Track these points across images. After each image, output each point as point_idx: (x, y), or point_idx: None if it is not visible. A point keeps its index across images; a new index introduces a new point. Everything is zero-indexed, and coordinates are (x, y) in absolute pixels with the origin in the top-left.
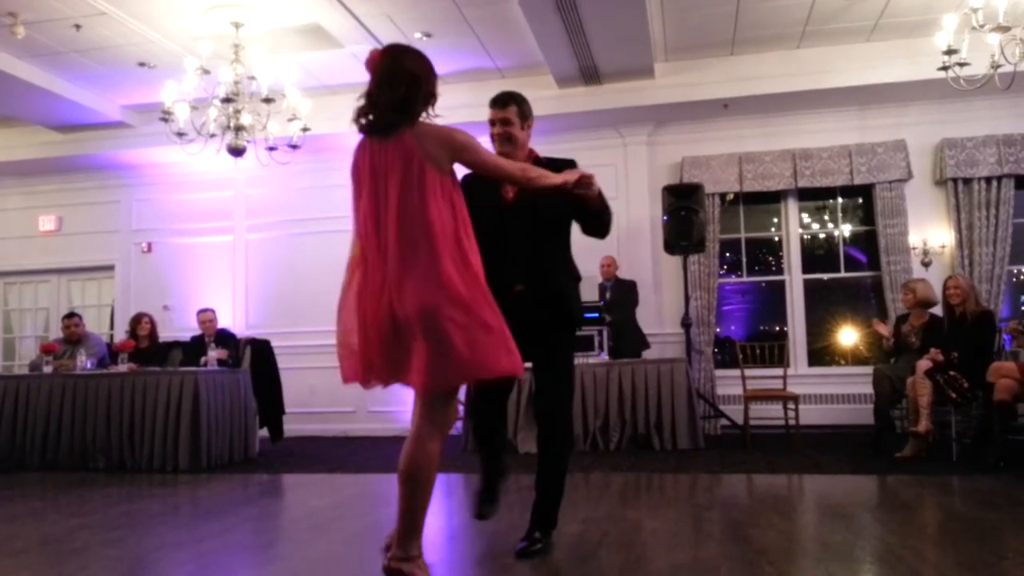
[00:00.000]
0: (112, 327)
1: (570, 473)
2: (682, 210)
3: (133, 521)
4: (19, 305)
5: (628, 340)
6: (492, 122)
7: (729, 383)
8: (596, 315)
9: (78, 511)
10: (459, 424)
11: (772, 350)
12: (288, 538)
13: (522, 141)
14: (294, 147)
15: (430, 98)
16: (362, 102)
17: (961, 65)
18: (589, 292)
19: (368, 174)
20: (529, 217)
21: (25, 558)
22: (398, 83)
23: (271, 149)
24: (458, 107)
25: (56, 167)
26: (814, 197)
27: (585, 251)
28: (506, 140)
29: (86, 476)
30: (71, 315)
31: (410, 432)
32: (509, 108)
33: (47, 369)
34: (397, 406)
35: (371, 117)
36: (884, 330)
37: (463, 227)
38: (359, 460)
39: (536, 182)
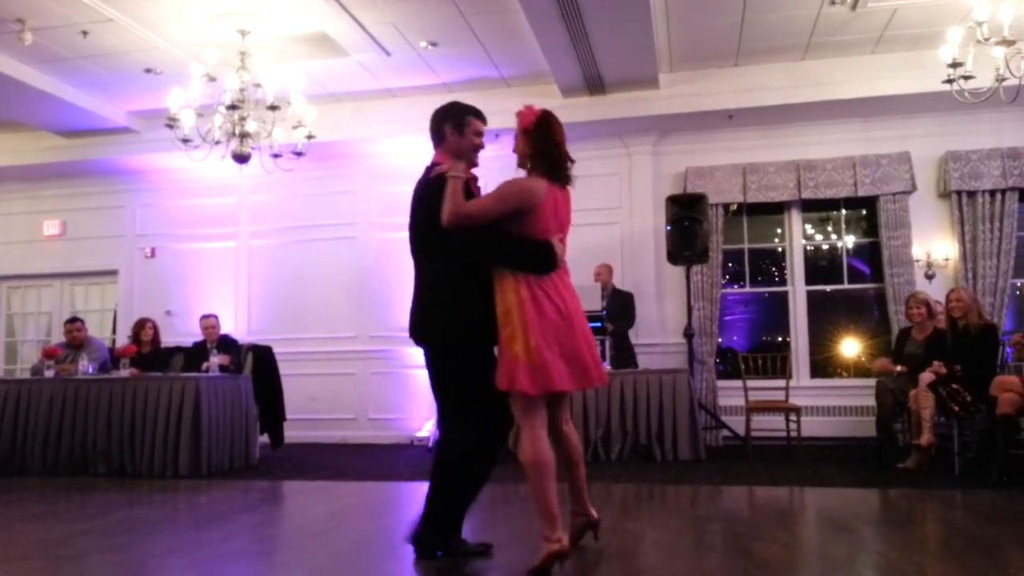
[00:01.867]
0: (115, 332)
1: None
2: (685, 220)
3: (133, 527)
4: (22, 309)
5: (620, 353)
6: (480, 134)
7: (731, 394)
8: (597, 324)
9: (78, 516)
10: None
11: (774, 361)
12: (288, 546)
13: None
14: (299, 154)
15: None
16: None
17: (966, 78)
18: (590, 300)
19: (553, 213)
20: None
21: (23, 564)
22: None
23: (276, 156)
24: None
25: (61, 172)
26: (818, 208)
27: (590, 259)
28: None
29: (86, 481)
30: (73, 320)
31: (572, 429)
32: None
33: (49, 373)
34: (397, 413)
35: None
36: (890, 366)
37: None
38: (359, 467)
39: None
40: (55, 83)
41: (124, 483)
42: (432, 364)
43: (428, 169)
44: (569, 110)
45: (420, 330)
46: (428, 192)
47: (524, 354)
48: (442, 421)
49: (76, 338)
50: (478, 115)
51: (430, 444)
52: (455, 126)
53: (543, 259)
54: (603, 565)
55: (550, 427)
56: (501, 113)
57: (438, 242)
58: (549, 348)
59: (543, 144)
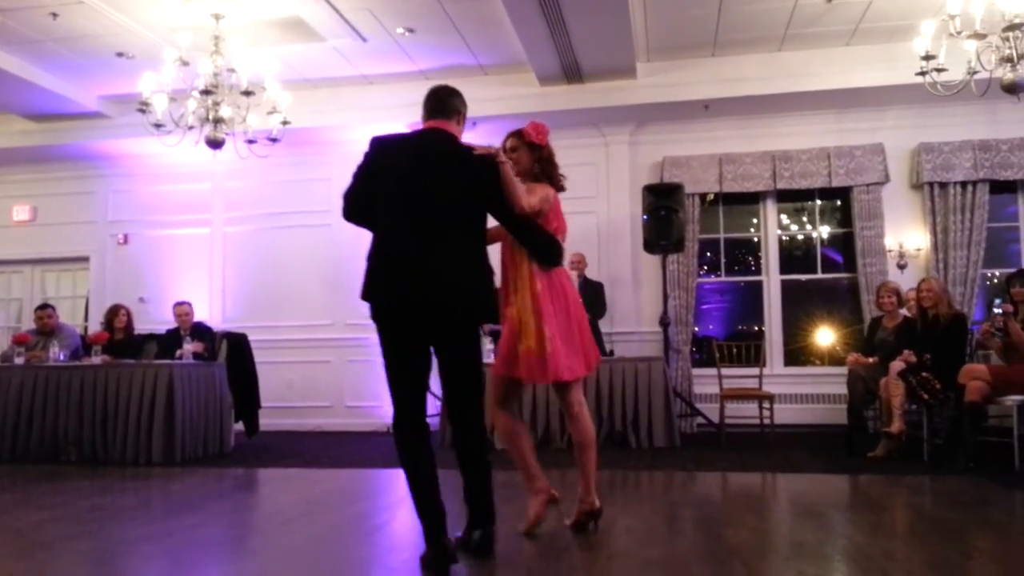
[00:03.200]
0: (87, 319)
1: (546, 469)
2: (662, 210)
3: (104, 514)
4: None
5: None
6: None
7: (706, 382)
8: None
9: (48, 504)
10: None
11: (749, 350)
12: (261, 532)
13: None
14: (273, 140)
15: None
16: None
17: (939, 71)
18: None
19: (556, 216)
20: None
21: None
22: None
23: (250, 142)
24: None
25: (31, 157)
26: (793, 199)
27: (569, 247)
28: None
29: (57, 469)
30: (44, 306)
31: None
32: None
33: (19, 360)
34: (374, 401)
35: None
36: (863, 360)
37: None
38: (334, 455)
39: None
40: (24, 66)
41: (96, 471)
42: (472, 342)
43: (452, 140)
44: (546, 99)
45: (478, 304)
46: (482, 169)
47: (537, 344)
48: (474, 406)
49: (47, 325)
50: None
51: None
52: (464, 115)
53: (559, 254)
54: (574, 551)
55: (565, 410)
56: (479, 101)
57: (501, 219)
58: (561, 338)
59: (548, 156)
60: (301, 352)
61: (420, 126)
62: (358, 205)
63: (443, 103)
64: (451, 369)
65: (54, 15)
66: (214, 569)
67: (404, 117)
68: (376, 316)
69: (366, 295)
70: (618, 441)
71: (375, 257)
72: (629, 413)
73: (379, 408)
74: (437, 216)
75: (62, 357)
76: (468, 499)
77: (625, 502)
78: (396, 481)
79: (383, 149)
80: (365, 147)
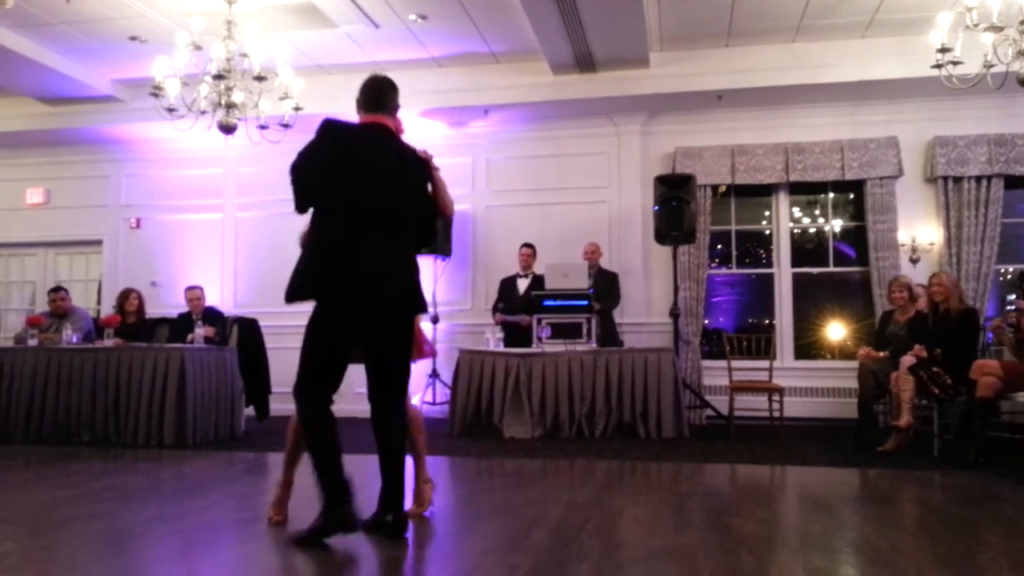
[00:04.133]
0: (99, 302)
1: (555, 459)
2: (673, 200)
3: (117, 495)
4: (5, 278)
5: (605, 331)
6: None
7: (716, 374)
8: (584, 303)
9: (62, 484)
10: (446, 407)
11: (759, 342)
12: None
13: None
14: (286, 126)
15: None
16: None
17: (954, 64)
18: (577, 278)
19: None
20: None
21: (7, 529)
22: None
23: (262, 128)
24: (450, 91)
25: (44, 140)
26: (805, 191)
27: (577, 237)
28: None
29: (71, 450)
30: (57, 289)
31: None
32: None
33: (32, 342)
34: None
35: None
36: (874, 354)
37: None
38: (343, 441)
39: None
40: (38, 49)
41: (108, 452)
42: (404, 332)
43: (397, 138)
44: (559, 88)
45: (410, 297)
46: (421, 169)
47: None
48: (398, 391)
49: (60, 307)
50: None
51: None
52: (398, 109)
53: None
54: (582, 539)
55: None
56: (491, 89)
57: (428, 221)
58: None
59: None
60: None
61: (357, 116)
62: (313, 190)
63: (385, 96)
64: (379, 358)
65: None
66: (224, 550)
67: (416, 104)
68: (319, 304)
69: (308, 289)
70: (627, 432)
71: (320, 249)
72: (638, 404)
73: None
74: (383, 213)
75: (75, 340)
76: (384, 483)
77: (633, 492)
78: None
79: (335, 137)
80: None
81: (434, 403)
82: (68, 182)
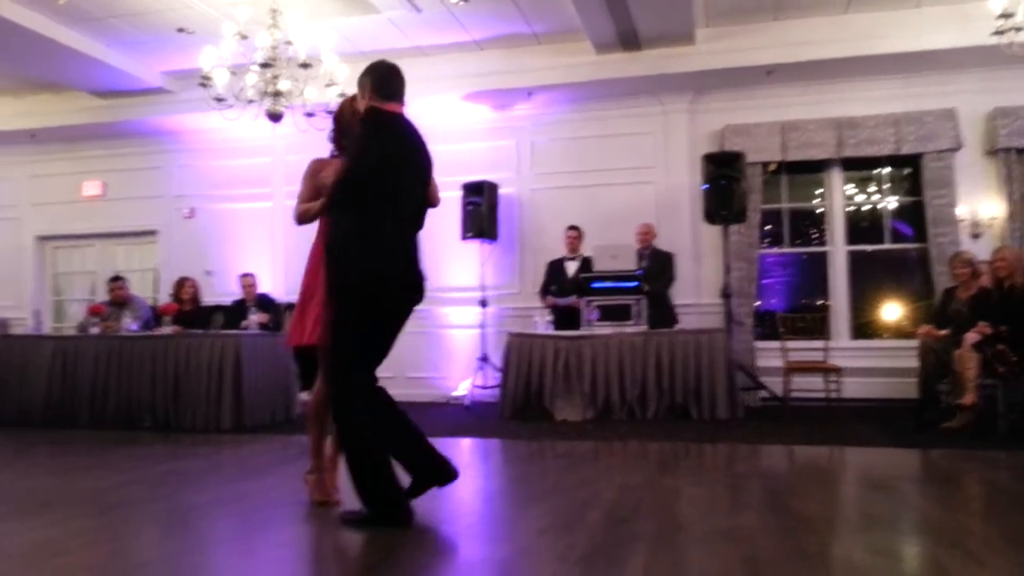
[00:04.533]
0: (156, 291)
1: (607, 441)
2: (722, 179)
3: (178, 478)
4: (67, 269)
5: (659, 313)
6: None
7: (769, 355)
8: (634, 284)
9: (125, 467)
10: (497, 391)
11: (814, 322)
12: None
13: (359, 108)
14: (331, 113)
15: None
16: None
17: (1017, 30)
18: (626, 260)
19: None
20: None
21: (76, 509)
22: None
23: (309, 115)
24: (493, 74)
25: (99, 133)
26: (859, 167)
27: (624, 218)
28: None
29: (133, 435)
30: (116, 278)
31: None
32: None
33: (94, 331)
34: (434, 372)
35: None
36: (935, 332)
37: None
38: None
39: (300, 214)
40: (90, 43)
41: (169, 437)
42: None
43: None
44: (602, 67)
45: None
46: (431, 162)
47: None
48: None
49: (119, 296)
50: None
51: (467, 402)
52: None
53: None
54: (638, 520)
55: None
56: (533, 71)
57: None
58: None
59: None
60: None
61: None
62: (370, 184)
63: (402, 87)
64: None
65: None
66: (282, 530)
67: (459, 88)
68: (366, 294)
69: (361, 276)
70: (679, 413)
71: (378, 240)
72: (691, 385)
73: (440, 379)
74: (416, 204)
75: (134, 327)
76: (420, 456)
77: (687, 473)
78: (457, 450)
79: (387, 129)
80: (420, 120)
81: (484, 387)
82: (123, 174)
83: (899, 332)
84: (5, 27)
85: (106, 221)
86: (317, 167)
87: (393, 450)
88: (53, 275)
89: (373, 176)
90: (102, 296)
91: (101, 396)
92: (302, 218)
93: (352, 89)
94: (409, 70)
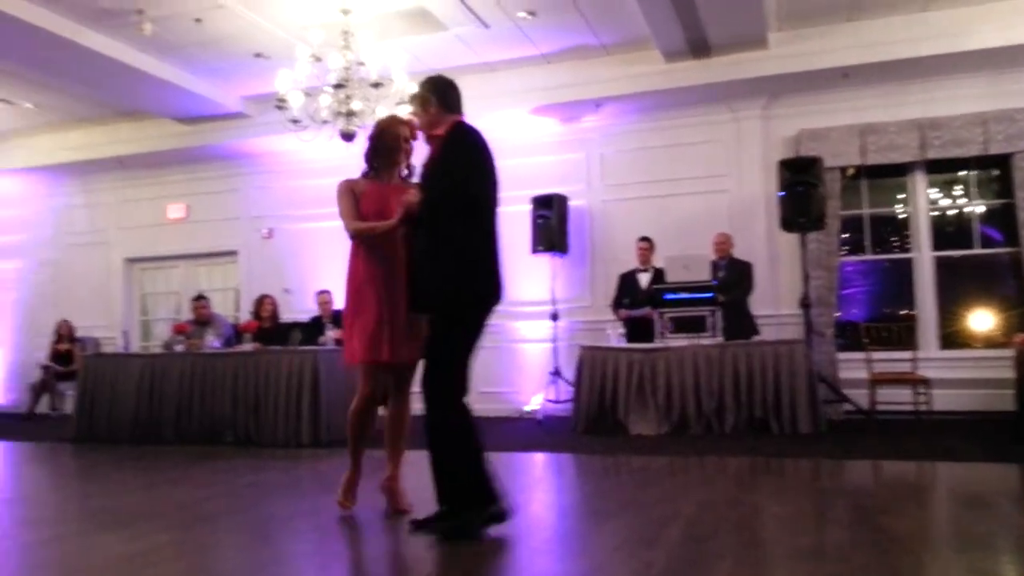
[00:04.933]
0: (237, 309)
1: (684, 456)
2: (799, 185)
3: (259, 491)
4: (153, 289)
5: (738, 324)
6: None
7: (852, 367)
8: (709, 295)
9: (209, 481)
10: (570, 405)
11: (900, 332)
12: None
13: (427, 124)
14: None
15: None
16: None
17: None
18: (698, 270)
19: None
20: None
21: (164, 521)
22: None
23: None
24: (560, 87)
25: (183, 158)
26: (944, 169)
27: (697, 228)
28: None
29: (216, 449)
30: (199, 297)
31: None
32: (413, 106)
33: (179, 348)
34: (506, 387)
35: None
36: None
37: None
38: None
39: (354, 232)
40: (173, 71)
41: (250, 451)
42: (435, 327)
43: None
44: (672, 75)
45: (429, 293)
46: None
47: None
48: (428, 396)
49: (202, 315)
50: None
51: (539, 417)
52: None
53: None
54: (720, 537)
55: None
56: (602, 82)
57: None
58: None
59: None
60: None
61: (456, 116)
62: (479, 198)
63: (461, 99)
64: None
65: (198, 20)
66: (359, 545)
67: (528, 102)
68: (479, 308)
69: (485, 290)
70: (759, 427)
71: (485, 254)
72: (770, 398)
73: (512, 394)
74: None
75: (216, 345)
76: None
77: (770, 489)
78: (530, 465)
79: (483, 143)
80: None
81: (557, 401)
82: (204, 197)
83: (991, 341)
84: (91, 58)
85: (189, 243)
86: (351, 185)
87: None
88: (140, 296)
89: (482, 190)
90: (186, 315)
91: (186, 412)
92: (361, 234)
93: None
94: (477, 86)
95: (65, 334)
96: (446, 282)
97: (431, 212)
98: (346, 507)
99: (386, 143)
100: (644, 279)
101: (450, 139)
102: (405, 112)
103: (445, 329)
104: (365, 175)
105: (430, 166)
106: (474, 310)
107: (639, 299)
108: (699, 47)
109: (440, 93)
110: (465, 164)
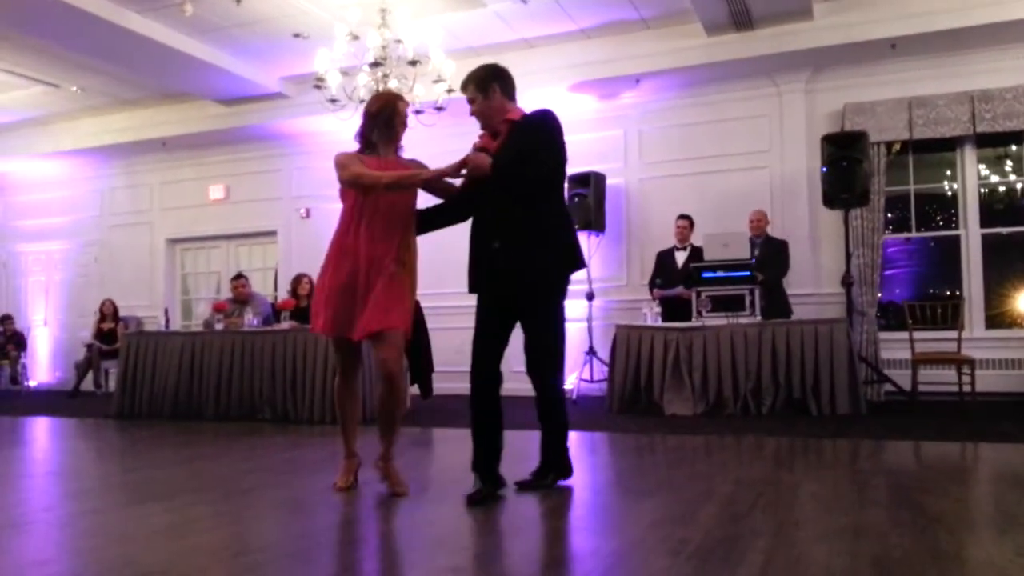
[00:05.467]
0: (276, 288)
1: (719, 436)
2: (843, 160)
3: (296, 467)
4: (194, 269)
5: (772, 302)
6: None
7: (894, 347)
8: (747, 273)
9: (247, 456)
10: (604, 385)
11: (945, 310)
12: (436, 486)
13: (491, 109)
14: (439, 109)
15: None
16: None
17: None
18: (738, 248)
19: None
20: (493, 186)
21: (203, 495)
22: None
23: (417, 112)
24: (599, 62)
25: (223, 139)
26: (994, 143)
27: (737, 206)
28: (478, 117)
29: (254, 425)
30: (239, 276)
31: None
32: (467, 89)
33: (218, 327)
34: None
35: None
36: None
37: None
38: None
39: (391, 181)
40: (214, 52)
41: (287, 428)
42: (544, 303)
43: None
44: (713, 49)
45: (541, 271)
46: None
47: None
48: (541, 363)
49: (241, 294)
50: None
51: (574, 396)
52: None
53: None
54: (755, 515)
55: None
56: (642, 57)
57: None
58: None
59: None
60: (469, 318)
61: (513, 101)
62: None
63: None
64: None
65: (237, 1)
66: (394, 518)
67: (566, 79)
68: (569, 277)
69: (574, 262)
70: (797, 408)
71: (571, 228)
72: (809, 379)
73: None
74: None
75: (255, 323)
76: (543, 451)
77: (808, 469)
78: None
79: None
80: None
81: (592, 380)
82: (245, 177)
83: None
84: (135, 40)
85: (230, 223)
86: (357, 155)
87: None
88: (182, 275)
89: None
90: (226, 294)
91: (225, 389)
92: (365, 183)
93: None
94: (515, 63)
95: (109, 313)
96: (556, 257)
97: (529, 190)
98: (340, 488)
99: (387, 117)
100: (680, 258)
101: (537, 122)
102: (442, 90)
103: (549, 303)
104: (361, 152)
105: (506, 148)
106: (567, 279)
107: (674, 278)
108: (742, 19)
109: (502, 81)
110: (561, 145)
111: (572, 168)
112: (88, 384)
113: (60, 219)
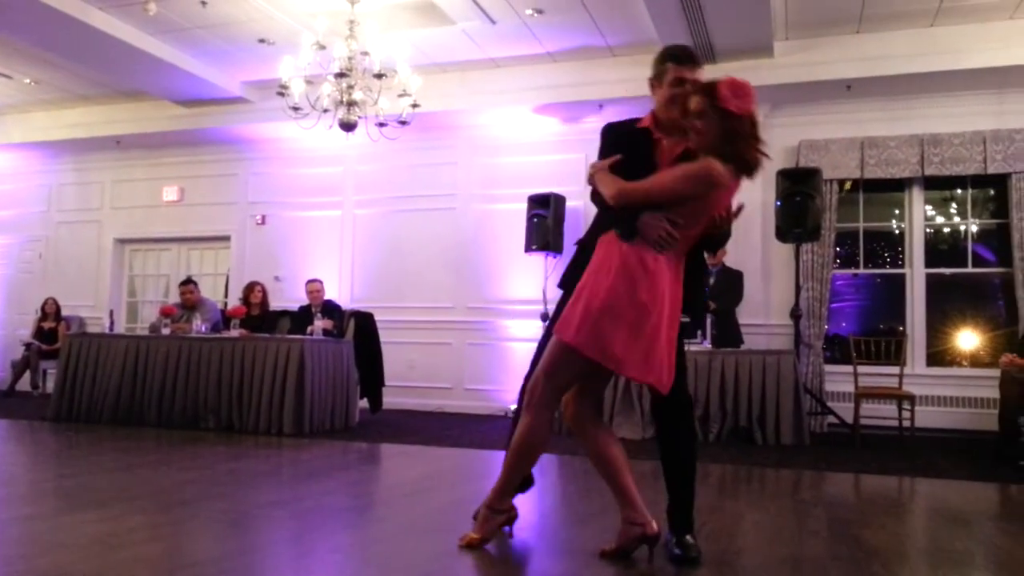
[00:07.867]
0: (227, 295)
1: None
2: (797, 195)
3: (239, 478)
4: (143, 271)
5: (723, 331)
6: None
7: (839, 379)
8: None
9: (189, 466)
10: None
11: (888, 346)
12: (384, 503)
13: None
14: (403, 123)
15: None
16: None
17: None
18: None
19: None
20: None
21: (141, 504)
22: None
23: (381, 125)
24: (564, 86)
25: (180, 140)
26: (941, 186)
27: None
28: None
29: (197, 434)
30: (187, 281)
31: None
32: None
33: (165, 331)
34: (493, 385)
35: None
36: (1019, 362)
37: None
38: (454, 434)
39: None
40: (175, 53)
41: (232, 438)
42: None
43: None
44: None
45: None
46: None
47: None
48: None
49: (190, 299)
50: (678, 58)
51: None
52: (655, 76)
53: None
54: (699, 543)
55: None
56: (607, 83)
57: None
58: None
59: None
60: (423, 333)
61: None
62: None
63: None
64: None
65: (203, 3)
66: (338, 535)
67: (530, 100)
68: None
69: None
70: (743, 437)
71: None
72: (755, 408)
73: (498, 392)
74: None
75: (203, 329)
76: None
77: (751, 498)
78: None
79: None
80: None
81: None
82: (200, 180)
83: (978, 361)
84: (95, 37)
85: (182, 226)
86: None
87: None
88: (130, 277)
89: None
90: (175, 298)
91: (169, 395)
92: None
93: (422, 99)
94: (481, 82)
95: (51, 312)
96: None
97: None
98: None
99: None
100: None
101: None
102: (407, 104)
103: (682, 336)
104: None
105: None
106: None
107: None
108: (704, 52)
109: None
110: None
111: (533, 189)
112: (24, 384)
113: (4, 212)
